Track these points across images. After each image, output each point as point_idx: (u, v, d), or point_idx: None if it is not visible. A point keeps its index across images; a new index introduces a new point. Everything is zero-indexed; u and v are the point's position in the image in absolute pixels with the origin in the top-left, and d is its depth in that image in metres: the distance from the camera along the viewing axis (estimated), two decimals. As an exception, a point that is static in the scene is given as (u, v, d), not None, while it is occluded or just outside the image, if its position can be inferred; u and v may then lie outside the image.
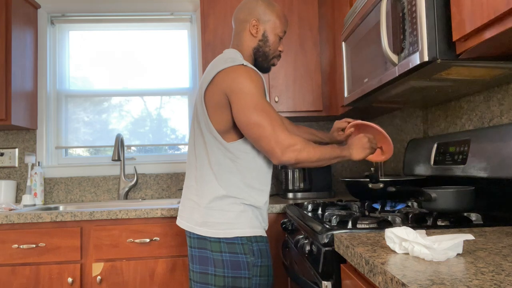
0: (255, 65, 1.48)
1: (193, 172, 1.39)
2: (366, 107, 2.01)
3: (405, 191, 1.43)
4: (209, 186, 1.33)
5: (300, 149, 1.27)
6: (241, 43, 1.45)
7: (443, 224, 1.10)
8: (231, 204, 1.32)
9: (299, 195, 2.19)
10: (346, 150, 1.38)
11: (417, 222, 1.14)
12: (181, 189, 2.52)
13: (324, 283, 1.03)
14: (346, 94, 1.71)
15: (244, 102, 1.27)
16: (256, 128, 1.27)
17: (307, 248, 1.17)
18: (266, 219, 1.43)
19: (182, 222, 1.39)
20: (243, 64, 1.32)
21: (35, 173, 2.38)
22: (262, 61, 1.47)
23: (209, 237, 1.30)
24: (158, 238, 1.87)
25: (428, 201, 1.17)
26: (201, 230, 1.31)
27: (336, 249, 0.99)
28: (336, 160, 1.36)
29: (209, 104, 1.33)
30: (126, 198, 2.49)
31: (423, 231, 0.84)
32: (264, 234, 1.38)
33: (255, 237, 1.33)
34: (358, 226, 1.09)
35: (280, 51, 1.50)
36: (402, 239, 0.78)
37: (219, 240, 1.29)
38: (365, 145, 1.40)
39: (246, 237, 1.31)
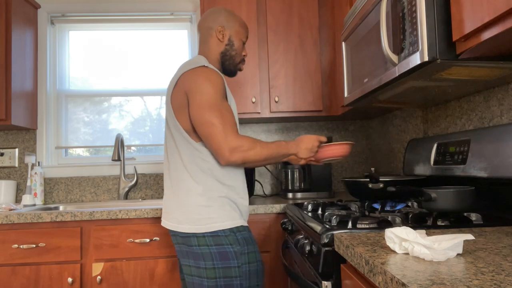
0: (222, 69, 1.57)
1: (167, 173, 1.45)
2: (366, 107, 2.01)
3: (405, 191, 1.43)
4: (185, 185, 1.38)
5: (246, 149, 1.32)
6: (208, 49, 1.54)
7: (443, 224, 1.10)
8: (209, 199, 1.36)
9: (299, 195, 2.19)
10: (293, 147, 1.44)
11: (417, 222, 1.14)
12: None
13: (324, 283, 1.03)
14: (346, 94, 1.71)
15: (199, 100, 1.33)
16: (208, 127, 1.31)
17: (307, 248, 1.17)
18: (246, 212, 1.46)
19: (166, 223, 1.43)
20: (204, 66, 1.39)
21: (35, 173, 2.38)
22: (229, 64, 1.56)
23: (193, 233, 1.34)
24: (158, 238, 1.87)
25: (428, 201, 1.17)
26: (184, 228, 1.35)
27: (336, 249, 0.99)
28: (284, 157, 1.43)
29: (174, 105, 1.40)
30: (126, 198, 2.49)
31: (423, 231, 0.84)
32: (245, 224, 1.41)
33: (237, 227, 1.37)
34: (358, 226, 1.09)
35: (244, 55, 1.60)
36: (402, 239, 0.78)
37: (203, 235, 1.33)
38: (313, 148, 1.47)
39: (228, 229, 1.35)
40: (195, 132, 1.38)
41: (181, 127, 1.38)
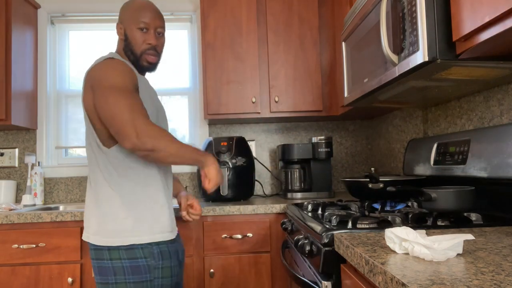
0: (134, 67, 1.43)
1: (89, 181, 1.35)
2: (366, 107, 2.01)
3: (405, 191, 1.43)
4: (102, 191, 1.29)
5: (157, 136, 1.18)
6: (118, 48, 1.47)
7: (443, 224, 1.10)
8: (127, 208, 1.28)
9: (299, 195, 2.19)
10: (205, 157, 1.32)
11: (417, 222, 1.14)
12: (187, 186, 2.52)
13: (324, 283, 1.03)
14: (346, 94, 1.71)
15: (104, 85, 1.23)
16: (113, 107, 1.19)
17: (307, 248, 1.17)
18: (168, 220, 1.35)
19: (84, 234, 1.34)
20: (110, 58, 1.32)
21: (35, 173, 2.38)
22: (133, 60, 1.41)
23: (107, 246, 1.27)
24: (158, 238, 1.87)
25: (428, 201, 1.17)
26: (97, 240, 1.28)
27: (336, 249, 0.99)
28: (192, 161, 1.30)
29: (86, 107, 1.30)
30: (126, 198, 2.48)
31: (423, 231, 0.84)
32: (166, 238, 1.33)
33: (156, 242, 1.31)
34: (358, 226, 1.09)
35: (148, 44, 1.40)
36: (402, 239, 0.78)
37: (117, 248, 1.26)
38: (219, 171, 1.34)
39: (146, 242, 1.29)
40: (110, 138, 1.28)
41: (94, 133, 1.30)
